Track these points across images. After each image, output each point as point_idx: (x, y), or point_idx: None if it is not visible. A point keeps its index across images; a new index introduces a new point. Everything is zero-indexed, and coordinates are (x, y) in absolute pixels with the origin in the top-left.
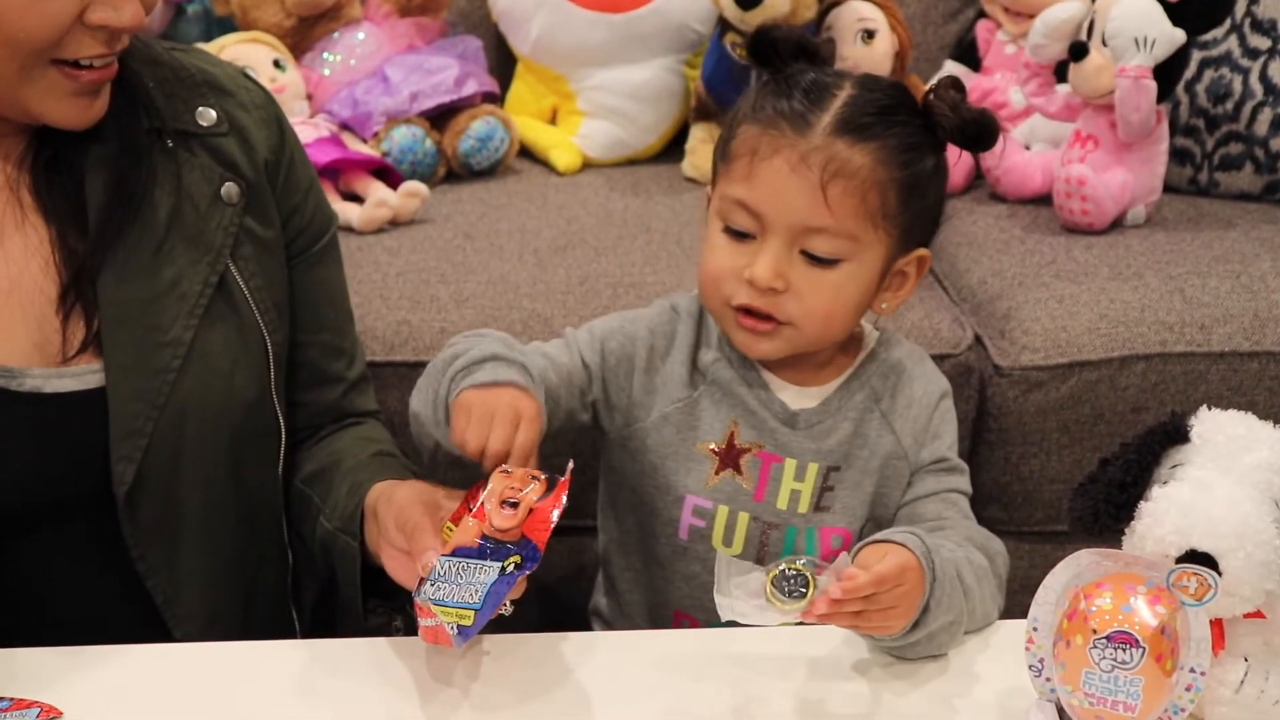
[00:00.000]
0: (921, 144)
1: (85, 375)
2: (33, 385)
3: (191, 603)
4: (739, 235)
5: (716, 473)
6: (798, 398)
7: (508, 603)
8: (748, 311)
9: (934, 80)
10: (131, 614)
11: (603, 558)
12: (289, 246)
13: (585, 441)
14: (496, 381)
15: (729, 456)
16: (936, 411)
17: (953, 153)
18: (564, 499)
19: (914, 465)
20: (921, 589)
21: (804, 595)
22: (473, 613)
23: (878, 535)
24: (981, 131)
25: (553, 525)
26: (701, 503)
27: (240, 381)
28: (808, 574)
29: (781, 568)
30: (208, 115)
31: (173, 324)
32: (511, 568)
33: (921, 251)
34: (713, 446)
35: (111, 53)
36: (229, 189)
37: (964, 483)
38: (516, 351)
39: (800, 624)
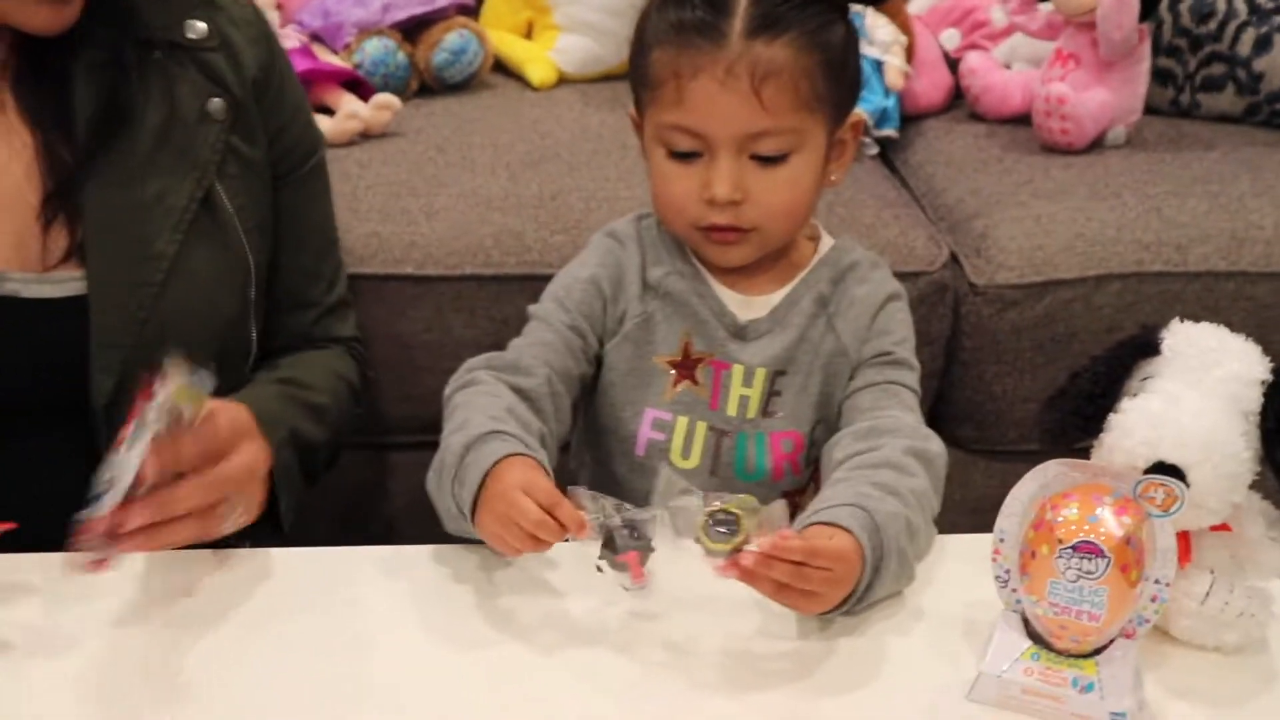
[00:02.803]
0: (828, 17)
1: (67, 283)
2: (11, 289)
3: None
4: (684, 156)
5: (675, 384)
6: (747, 308)
7: None
8: (714, 227)
9: None
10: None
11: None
12: (274, 167)
13: None
14: (483, 477)
15: (685, 367)
16: (883, 311)
17: (933, 72)
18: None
19: (856, 361)
20: (850, 584)
21: (735, 536)
22: None
23: (824, 512)
24: None
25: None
26: (661, 415)
27: (222, 300)
28: (742, 519)
29: (719, 506)
30: (197, 28)
31: (157, 237)
32: None
33: (855, 116)
34: (669, 359)
35: None
36: (216, 105)
37: (909, 378)
38: (493, 418)
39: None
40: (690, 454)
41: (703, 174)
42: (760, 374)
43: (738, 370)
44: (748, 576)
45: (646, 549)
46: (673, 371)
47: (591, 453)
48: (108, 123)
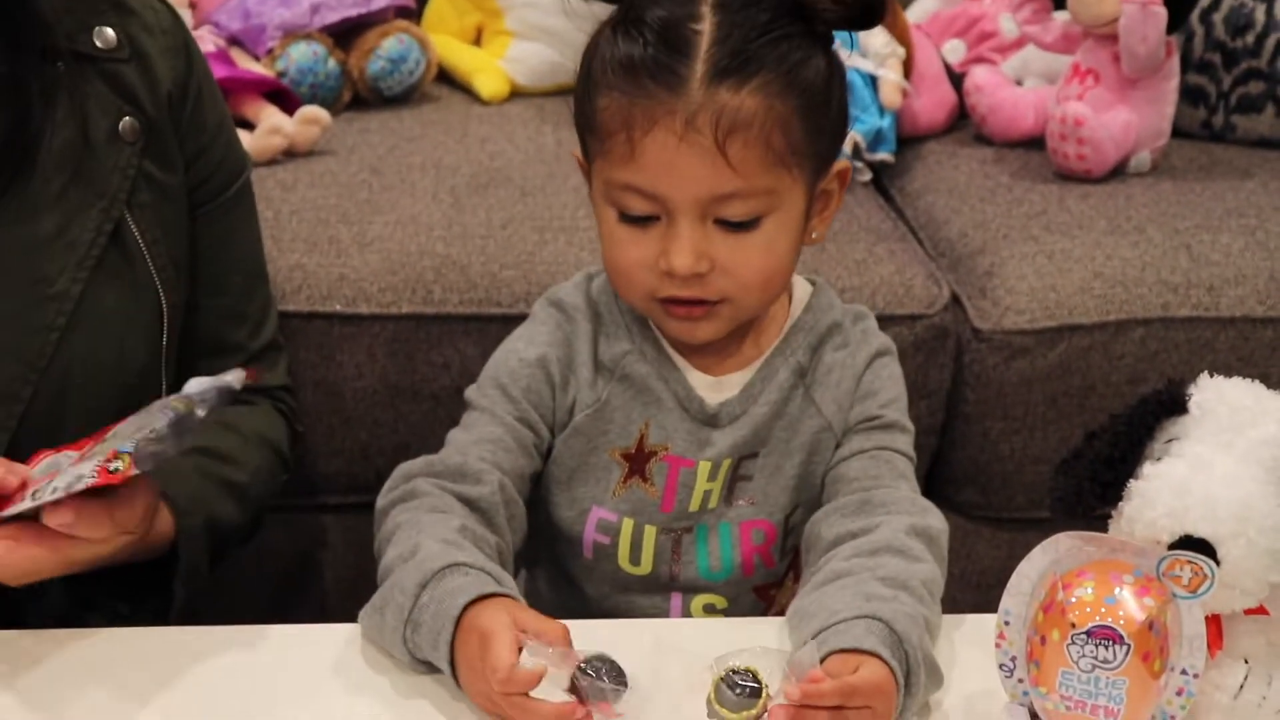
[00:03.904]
0: (806, 51)
1: None
2: None
3: (56, 588)
4: (640, 220)
5: (624, 481)
6: (717, 390)
7: None
8: (676, 300)
9: None
10: None
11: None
12: (192, 194)
13: None
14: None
15: (638, 461)
16: (868, 370)
17: (935, 88)
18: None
19: (841, 431)
20: (891, 716)
21: (756, 699)
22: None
23: (838, 630)
24: (867, 8)
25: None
26: (607, 515)
27: (131, 346)
28: (760, 675)
29: (731, 666)
30: (106, 36)
31: (59, 275)
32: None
33: (840, 165)
34: (622, 450)
35: None
36: (127, 125)
37: (902, 442)
38: (446, 542)
39: None
40: (640, 560)
41: (660, 241)
42: (727, 463)
43: (704, 467)
44: None
45: (618, 691)
46: (624, 465)
47: (543, 550)
48: (6, 159)
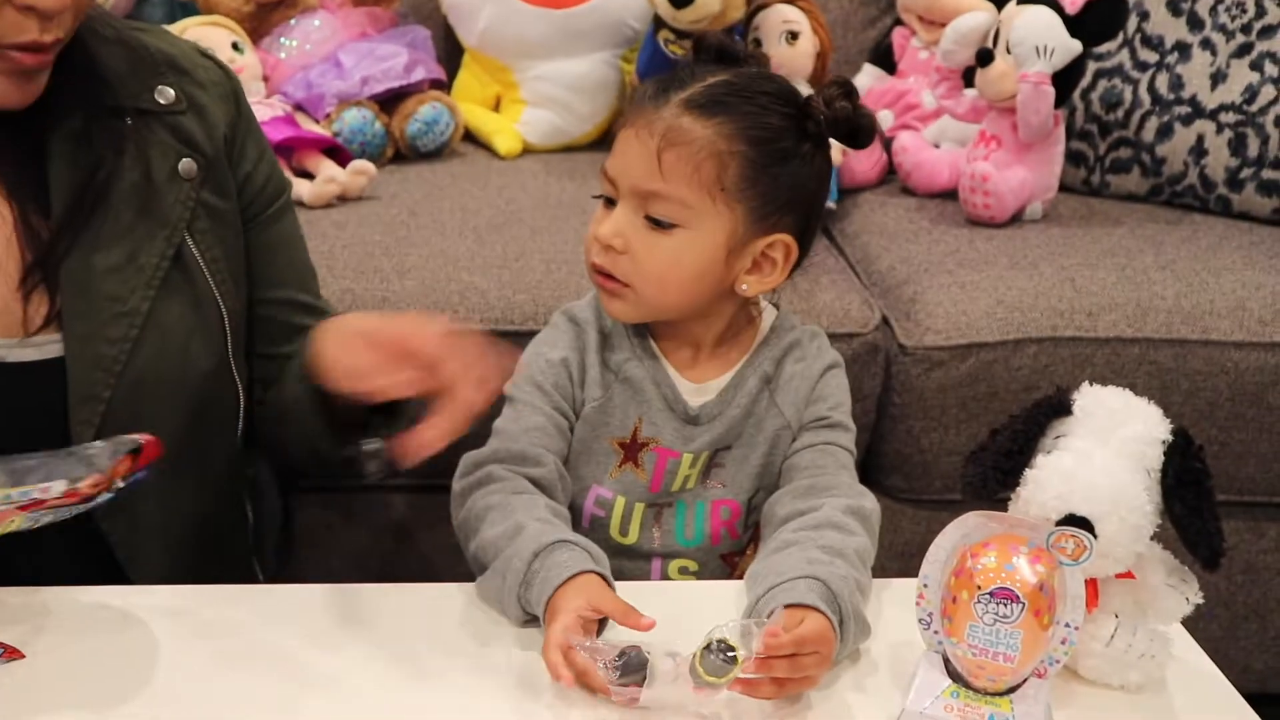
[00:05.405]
0: (783, 130)
1: (46, 346)
2: None
3: (153, 558)
4: (608, 203)
5: (620, 465)
6: (698, 394)
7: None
8: (597, 269)
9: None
10: (95, 570)
11: None
12: (244, 211)
13: None
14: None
15: (632, 450)
16: (820, 381)
17: (869, 151)
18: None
19: (796, 428)
20: (831, 657)
21: (734, 664)
22: None
23: (784, 588)
24: (852, 129)
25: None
26: (604, 493)
27: (196, 352)
28: (736, 646)
29: (710, 640)
30: (166, 94)
31: (130, 295)
32: None
33: (781, 237)
34: (619, 440)
35: (43, 40)
36: (186, 165)
37: (845, 439)
38: (544, 520)
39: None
40: (629, 531)
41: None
42: (705, 454)
43: (686, 458)
44: (750, 686)
45: (641, 680)
46: (621, 452)
47: None
48: (83, 200)
